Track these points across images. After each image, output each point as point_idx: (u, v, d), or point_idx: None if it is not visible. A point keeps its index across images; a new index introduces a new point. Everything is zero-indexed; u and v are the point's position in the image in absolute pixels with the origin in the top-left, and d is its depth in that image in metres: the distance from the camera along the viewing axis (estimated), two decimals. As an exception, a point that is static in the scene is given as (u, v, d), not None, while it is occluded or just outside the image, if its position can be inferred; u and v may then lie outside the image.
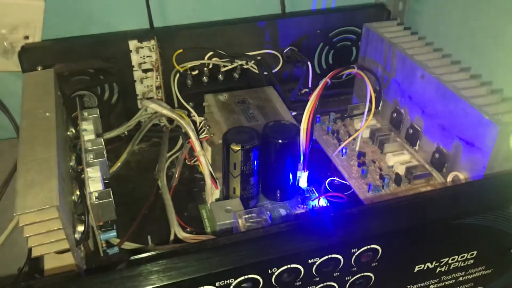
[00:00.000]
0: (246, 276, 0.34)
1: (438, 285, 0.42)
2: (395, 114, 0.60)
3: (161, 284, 0.32)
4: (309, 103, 0.52)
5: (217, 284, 0.33)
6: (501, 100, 0.49)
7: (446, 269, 0.41)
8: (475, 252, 0.40)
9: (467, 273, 0.42)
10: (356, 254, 0.36)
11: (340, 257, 0.35)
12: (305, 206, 0.54)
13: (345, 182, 0.56)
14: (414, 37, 0.60)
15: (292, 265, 0.34)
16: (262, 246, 0.34)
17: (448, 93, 0.51)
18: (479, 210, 0.38)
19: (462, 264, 0.41)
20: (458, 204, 0.38)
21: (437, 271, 0.40)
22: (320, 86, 0.52)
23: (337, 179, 0.57)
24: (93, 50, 0.60)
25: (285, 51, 0.68)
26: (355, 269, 0.37)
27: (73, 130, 0.55)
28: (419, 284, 0.41)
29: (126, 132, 0.62)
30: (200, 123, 0.60)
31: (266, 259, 0.34)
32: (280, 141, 0.51)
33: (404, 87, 0.58)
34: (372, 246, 0.36)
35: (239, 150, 0.50)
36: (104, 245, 0.47)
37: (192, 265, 0.33)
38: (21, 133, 0.46)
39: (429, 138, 0.55)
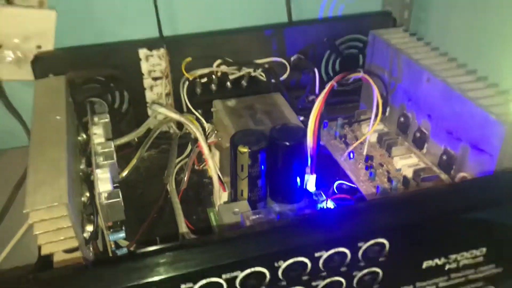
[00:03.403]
0: (253, 269, 0.34)
1: (448, 283, 0.41)
2: (402, 119, 0.60)
3: (167, 275, 0.32)
4: (315, 105, 0.52)
5: (223, 276, 0.33)
6: (508, 101, 0.49)
7: (455, 267, 0.40)
8: (484, 249, 0.40)
9: (476, 271, 0.41)
10: (363, 248, 0.36)
11: (347, 250, 0.35)
12: (313, 209, 0.54)
13: (353, 186, 0.56)
14: (419, 42, 0.61)
15: (299, 258, 0.34)
16: (267, 239, 0.34)
17: (454, 95, 0.51)
18: (487, 205, 0.38)
19: (472, 262, 0.40)
20: (467, 198, 0.38)
21: (446, 268, 0.40)
22: (326, 89, 0.53)
23: (345, 182, 0.57)
24: (104, 58, 0.62)
25: (292, 59, 0.69)
26: (363, 264, 0.37)
27: (84, 136, 0.56)
28: (428, 282, 0.40)
29: (136, 139, 0.63)
30: (208, 128, 0.61)
31: (271, 252, 0.34)
32: (287, 143, 0.51)
33: (411, 92, 0.58)
34: (379, 240, 0.36)
35: (246, 152, 0.50)
36: (113, 245, 0.47)
37: (199, 257, 0.33)
38: (32, 135, 0.47)
39: (436, 141, 0.55)
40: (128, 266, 0.32)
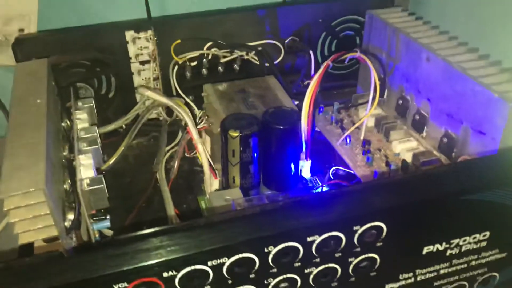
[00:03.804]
0: (241, 255, 0.31)
1: (449, 269, 0.39)
2: (401, 101, 0.58)
3: (148, 263, 0.30)
4: (310, 86, 0.50)
5: (209, 263, 0.31)
6: (511, 79, 0.47)
7: (457, 252, 0.38)
8: (487, 233, 0.38)
9: (480, 256, 0.39)
10: (359, 232, 0.33)
11: (341, 235, 0.33)
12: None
13: (350, 171, 0.54)
14: (419, 21, 0.58)
15: (290, 244, 0.32)
16: (256, 223, 0.32)
17: (455, 74, 0.49)
18: (490, 186, 0.35)
19: (474, 246, 0.38)
20: (468, 179, 0.36)
21: (447, 254, 0.38)
22: (321, 69, 0.50)
23: (341, 168, 0.55)
24: (90, 41, 0.59)
25: (286, 41, 0.66)
26: (359, 249, 0.34)
27: (68, 122, 0.53)
28: (429, 269, 0.38)
29: (124, 126, 0.61)
30: (199, 114, 0.59)
31: (261, 236, 0.31)
32: (280, 127, 0.49)
33: (410, 72, 0.56)
34: (376, 223, 0.33)
35: (237, 136, 0.48)
36: (97, 235, 0.45)
37: (183, 243, 0.31)
38: (11, 119, 0.44)
39: (436, 123, 0.53)
40: (106, 253, 0.30)
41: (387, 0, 0.68)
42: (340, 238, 0.33)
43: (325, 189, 0.52)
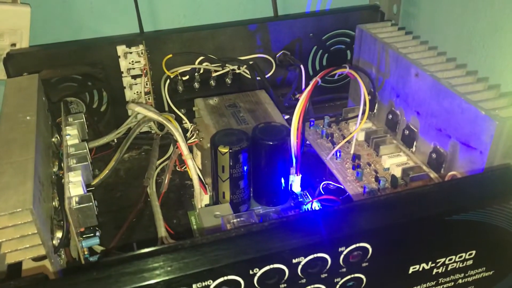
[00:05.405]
0: (226, 278, 0.31)
1: (436, 288, 0.39)
2: (391, 116, 0.58)
3: (132, 286, 0.30)
4: (299, 103, 0.50)
5: (194, 286, 0.31)
6: (498, 96, 0.47)
7: (443, 271, 0.38)
8: (473, 252, 0.38)
9: (466, 275, 0.39)
10: (345, 253, 0.33)
11: (327, 256, 0.33)
12: (298, 211, 0.52)
13: (340, 186, 0.54)
14: (408, 36, 0.59)
15: (275, 265, 0.32)
16: (242, 245, 0.32)
17: (443, 90, 0.49)
18: (475, 205, 0.35)
19: (461, 265, 0.38)
20: (453, 199, 0.36)
21: (433, 273, 0.38)
22: (310, 86, 0.51)
23: (332, 183, 0.55)
24: (81, 56, 0.60)
25: (277, 55, 0.67)
26: (345, 270, 0.35)
27: (58, 137, 0.53)
28: (415, 287, 0.38)
29: (115, 140, 0.61)
30: (191, 128, 0.59)
31: (246, 259, 0.31)
32: (270, 142, 0.49)
33: (399, 87, 0.56)
34: (361, 244, 0.33)
35: (227, 152, 0.48)
36: (86, 252, 0.45)
37: (167, 266, 0.31)
38: (-1, 136, 0.45)
39: (425, 138, 0.53)
40: (91, 276, 0.30)
41: (377, 14, 0.68)
42: (325, 259, 0.33)
43: (315, 204, 0.52)
